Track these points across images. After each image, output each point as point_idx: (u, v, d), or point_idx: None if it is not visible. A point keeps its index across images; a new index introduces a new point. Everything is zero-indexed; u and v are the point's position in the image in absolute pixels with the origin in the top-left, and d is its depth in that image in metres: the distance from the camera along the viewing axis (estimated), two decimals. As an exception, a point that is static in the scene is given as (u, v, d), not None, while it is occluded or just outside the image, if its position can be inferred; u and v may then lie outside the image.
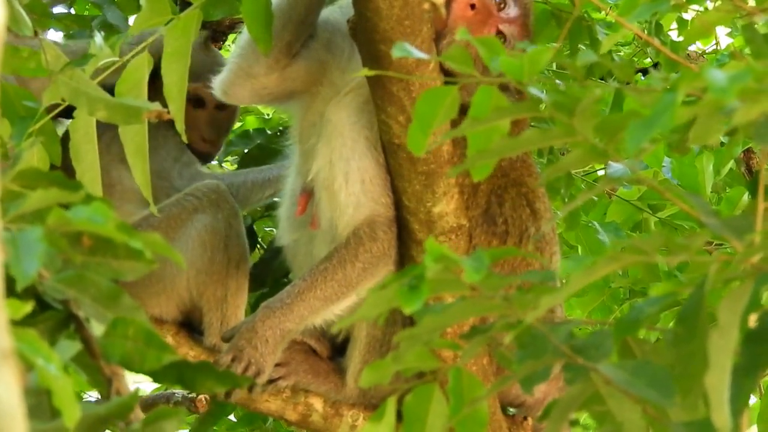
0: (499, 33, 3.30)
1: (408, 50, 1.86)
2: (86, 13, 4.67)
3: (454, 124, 2.96)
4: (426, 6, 3.01)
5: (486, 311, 1.76)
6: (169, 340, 3.68)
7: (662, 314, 4.10)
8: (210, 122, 4.11)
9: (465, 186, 3.32)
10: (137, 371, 1.76)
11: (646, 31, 4.59)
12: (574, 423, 1.79)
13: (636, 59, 5.29)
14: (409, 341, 1.81)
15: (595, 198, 4.95)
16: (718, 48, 5.40)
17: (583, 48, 4.55)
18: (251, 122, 5.31)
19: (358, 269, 3.35)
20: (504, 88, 1.87)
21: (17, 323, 1.51)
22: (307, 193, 3.49)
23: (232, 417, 4.94)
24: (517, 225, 3.41)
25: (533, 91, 1.69)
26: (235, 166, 4.73)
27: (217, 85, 3.57)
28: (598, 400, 1.72)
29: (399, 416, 2.00)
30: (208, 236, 3.68)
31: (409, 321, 3.23)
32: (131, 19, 4.25)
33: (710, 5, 3.63)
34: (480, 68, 1.92)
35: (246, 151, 4.53)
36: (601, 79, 4.60)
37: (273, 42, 3.21)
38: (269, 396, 3.54)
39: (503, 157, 2.05)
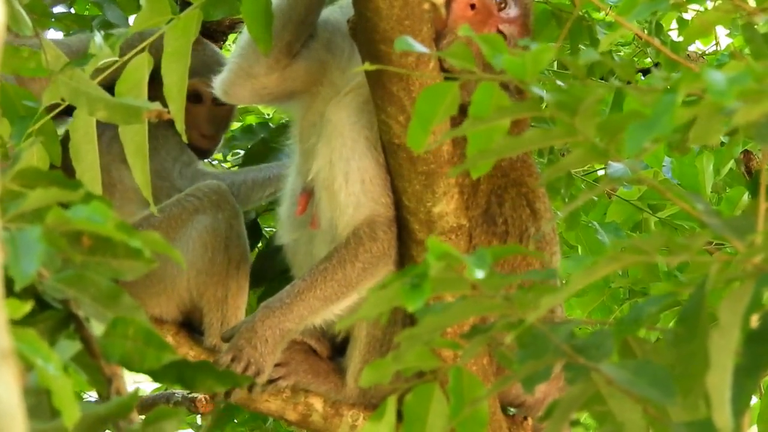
0: (499, 33, 3.30)
1: (410, 44, 1.86)
2: (86, 13, 4.67)
3: (454, 123, 2.98)
4: (426, 6, 3.01)
5: (487, 311, 1.76)
6: (169, 340, 3.68)
7: (662, 314, 4.10)
8: (208, 118, 4.10)
9: (465, 186, 3.32)
10: (137, 371, 1.75)
11: (646, 31, 4.58)
12: (576, 423, 1.79)
13: (636, 59, 5.28)
14: (409, 341, 1.81)
15: (595, 198, 4.95)
16: (718, 48, 5.39)
17: (583, 48, 4.55)
18: (253, 121, 5.30)
19: (358, 269, 3.35)
20: (503, 87, 1.86)
21: (17, 323, 1.51)
22: (307, 193, 3.49)
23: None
24: (517, 225, 3.41)
25: (536, 90, 1.68)
26: (238, 162, 4.73)
27: (218, 85, 3.57)
28: (598, 400, 1.72)
29: (399, 416, 2.00)
30: (208, 237, 3.68)
31: (410, 321, 3.23)
32: (131, 19, 4.24)
33: (710, 5, 3.63)
34: (480, 67, 1.91)
35: (249, 146, 4.52)
36: (601, 79, 4.59)
37: (273, 42, 3.21)
38: (269, 396, 3.54)
39: (504, 156, 2.05)
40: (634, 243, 1.62)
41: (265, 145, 4.43)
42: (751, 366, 1.51)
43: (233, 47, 3.73)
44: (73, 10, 4.62)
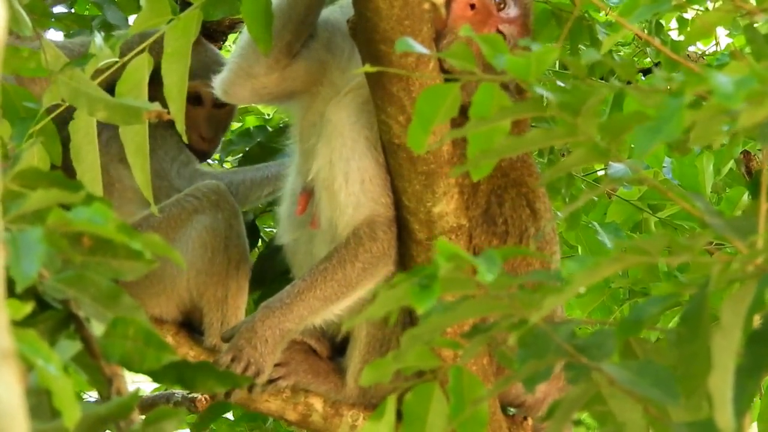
0: (499, 33, 3.30)
1: (411, 45, 1.86)
2: (86, 13, 4.67)
3: (454, 124, 2.97)
4: (426, 6, 3.01)
5: (491, 311, 1.76)
6: (169, 340, 3.68)
7: (662, 314, 4.10)
8: (208, 120, 4.10)
9: (465, 186, 3.32)
10: (137, 371, 1.75)
11: (646, 31, 4.58)
12: (577, 423, 1.79)
13: (636, 59, 5.29)
14: (412, 340, 1.80)
15: (596, 198, 4.95)
16: (718, 48, 5.40)
17: (583, 48, 4.55)
18: (251, 122, 5.30)
19: (358, 269, 3.35)
20: (503, 87, 1.86)
21: (17, 323, 1.51)
22: (307, 193, 3.49)
23: (230, 416, 4.93)
24: (517, 225, 3.41)
25: (539, 90, 1.68)
26: (236, 165, 4.72)
27: (218, 85, 3.57)
28: (599, 400, 1.72)
29: (399, 416, 2.00)
30: (208, 237, 3.68)
31: (410, 321, 3.23)
32: (131, 19, 4.24)
33: (710, 5, 3.63)
34: (481, 67, 1.91)
35: (247, 149, 4.52)
36: (601, 79, 4.59)
37: (273, 42, 3.21)
38: (269, 396, 3.54)
39: (504, 157, 2.04)
40: (637, 244, 1.62)
41: (263, 148, 4.43)
42: (753, 366, 1.51)
43: (233, 47, 3.73)
44: (73, 11, 4.62)
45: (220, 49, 4.67)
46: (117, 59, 2.97)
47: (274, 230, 4.30)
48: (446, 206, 3.25)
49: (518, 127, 3.24)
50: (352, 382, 3.51)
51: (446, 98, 1.84)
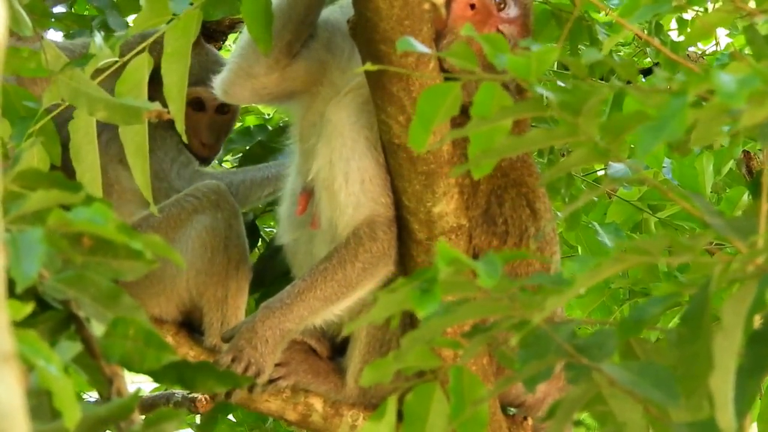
0: (499, 33, 3.30)
1: (412, 44, 1.86)
2: (86, 13, 4.66)
3: (455, 123, 2.97)
4: (426, 6, 3.01)
5: (492, 312, 1.76)
6: (169, 340, 3.67)
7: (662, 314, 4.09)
8: (210, 126, 4.10)
9: (465, 186, 3.32)
10: (137, 371, 1.75)
11: (645, 31, 4.58)
12: (577, 423, 1.79)
13: (636, 59, 5.28)
14: (412, 341, 1.80)
15: (596, 198, 4.95)
16: (718, 48, 5.39)
17: (583, 48, 4.55)
18: (251, 121, 5.30)
19: (358, 269, 3.35)
20: (503, 87, 1.86)
21: (18, 324, 1.51)
22: (307, 193, 3.49)
23: (231, 417, 4.93)
24: (517, 225, 3.41)
25: (540, 90, 1.68)
26: (236, 164, 4.72)
27: (218, 85, 3.57)
28: (600, 401, 1.72)
29: (399, 416, 2.00)
30: (208, 237, 3.68)
31: (410, 321, 3.23)
32: (131, 20, 4.24)
33: (710, 6, 3.63)
34: (481, 67, 1.91)
35: (247, 148, 4.52)
36: (601, 79, 4.59)
37: (273, 42, 3.21)
38: (269, 396, 3.54)
39: (505, 156, 2.04)
40: (638, 244, 1.62)
41: (263, 147, 4.43)
42: (754, 367, 1.51)
43: (233, 47, 3.73)
44: (72, 10, 4.62)
45: (220, 49, 4.67)
46: (117, 59, 2.97)
47: (274, 230, 4.31)
48: (446, 206, 3.25)
49: (518, 127, 3.24)
50: (352, 382, 3.51)
51: (447, 98, 1.84)
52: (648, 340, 1.88)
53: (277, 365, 3.43)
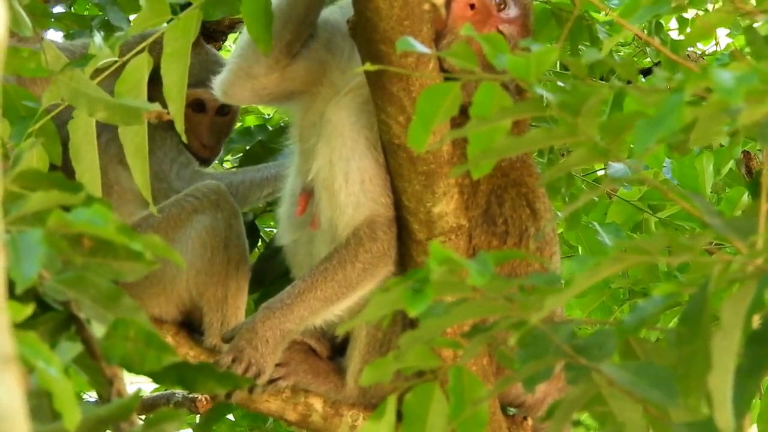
0: (499, 33, 3.30)
1: (412, 44, 1.86)
2: (86, 13, 4.67)
3: (454, 123, 2.97)
4: (426, 6, 3.01)
5: (489, 312, 1.76)
6: (169, 340, 3.67)
7: (662, 314, 4.10)
8: (210, 127, 4.09)
9: (465, 186, 3.32)
10: (138, 372, 1.75)
11: (645, 31, 4.58)
12: (577, 423, 1.79)
13: (636, 59, 5.28)
14: (411, 341, 1.81)
15: (596, 198, 4.95)
16: (718, 48, 5.39)
17: (583, 48, 4.55)
18: (251, 121, 5.29)
19: (358, 269, 3.35)
20: (503, 87, 1.86)
21: (18, 325, 1.51)
22: (307, 193, 3.49)
23: (230, 416, 4.94)
24: (517, 225, 3.41)
25: (539, 90, 1.68)
26: (236, 164, 4.73)
27: (217, 85, 3.57)
28: (599, 401, 1.72)
29: (399, 416, 2.00)
30: (208, 237, 3.68)
31: (410, 322, 3.23)
32: (132, 19, 4.24)
33: (710, 7, 3.63)
34: (481, 67, 1.91)
35: (247, 148, 4.52)
36: (601, 79, 4.59)
37: (273, 42, 3.21)
38: (269, 396, 3.54)
39: (505, 156, 2.04)
40: (638, 244, 1.62)
41: (263, 147, 4.43)
42: (753, 367, 1.51)
43: (233, 47, 3.73)
44: (72, 11, 4.62)
45: (220, 49, 4.67)
46: (117, 59, 2.97)
47: (274, 230, 4.31)
48: (446, 206, 3.25)
49: (518, 127, 3.24)
50: (352, 382, 3.51)
51: (446, 98, 1.84)
52: (648, 340, 1.88)
53: (276, 365, 3.43)
